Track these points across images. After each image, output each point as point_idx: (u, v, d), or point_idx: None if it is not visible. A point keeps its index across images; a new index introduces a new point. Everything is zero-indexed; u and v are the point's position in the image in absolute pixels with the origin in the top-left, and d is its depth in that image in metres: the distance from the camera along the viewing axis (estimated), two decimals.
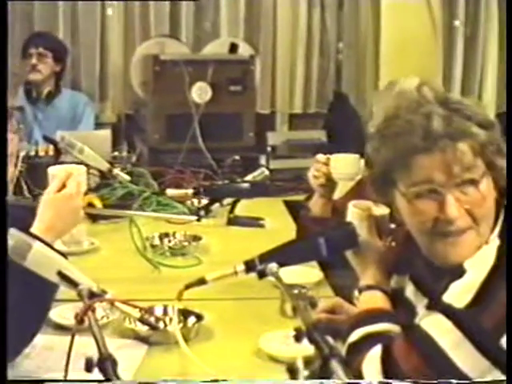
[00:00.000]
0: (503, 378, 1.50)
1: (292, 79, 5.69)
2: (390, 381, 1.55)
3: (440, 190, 1.61)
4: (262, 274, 1.72)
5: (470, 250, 1.63)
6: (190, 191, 3.49)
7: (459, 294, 1.58)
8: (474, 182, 1.61)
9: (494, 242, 1.64)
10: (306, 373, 1.27)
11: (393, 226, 1.89)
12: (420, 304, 1.75)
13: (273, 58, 5.64)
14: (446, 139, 1.59)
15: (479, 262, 1.61)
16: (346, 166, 2.64)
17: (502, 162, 1.65)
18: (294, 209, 3.34)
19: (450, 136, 1.59)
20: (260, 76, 5.26)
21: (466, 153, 1.59)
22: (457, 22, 5.97)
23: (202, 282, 1.82)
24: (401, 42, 5.45)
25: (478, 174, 1.62)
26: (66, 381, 1.55)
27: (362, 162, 2.70)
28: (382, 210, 1.87)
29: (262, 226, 3.32)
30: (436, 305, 1.62)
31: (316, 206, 2.67)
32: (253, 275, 1.77)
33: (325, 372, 1.25)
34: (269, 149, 4.61)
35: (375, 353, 1.62)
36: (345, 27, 5.82)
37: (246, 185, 3.54)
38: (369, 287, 1.83)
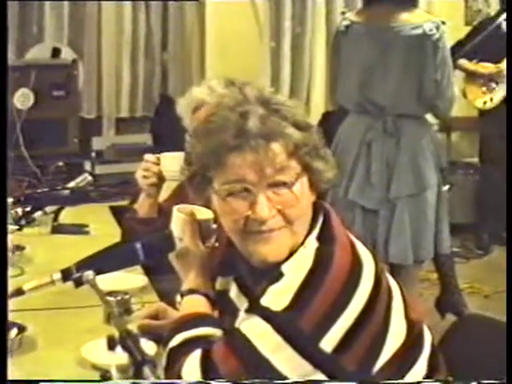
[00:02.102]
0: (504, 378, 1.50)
1: (118, 83, 5.66)
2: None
3: (252, 190, 1.59)
4: (78, 283, 1.68)
5: (281, 250, 1.62)
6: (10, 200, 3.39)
7: (277, 298, 1.56)
8: (286, 183, 1.60)
9: (312, 244, 1.63)
10: (120, 380, 1.25)
11: (214, 226, 1.90)
12: (242, 307, 1.73)
13: (98, 62, 5.59)
14: (259, 138, 1.57)
15: (297, 265, 1.59)
16: (176, 164, 2.63)
17: (319, 165, 1.64)
18: (120, 213, 3.31)
19: (263, 136, 1.57)
20: (85, 80, 5.20)
21: (279, 153, 1.58)
22: (286, 23, 6.11)
23: (19, 292, 1.76)
24: (226, 43, 5.53)
25: (291, 175, 1.60)
26: (65, 381, 1.53)
27: None
28: (205, 214, 1.87)
29: (86, 232, 3.27)
30: (255, 308, 1.60)
31: (143, 207, 2.65)
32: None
33: (138, 378, 1.24)
34: (94, 154, 4.55)
35: (194, 357, 1.59)
36: (170, 30, 5.84)
37: (68, 192, 3.48)
38: (190, 291, 1.81)
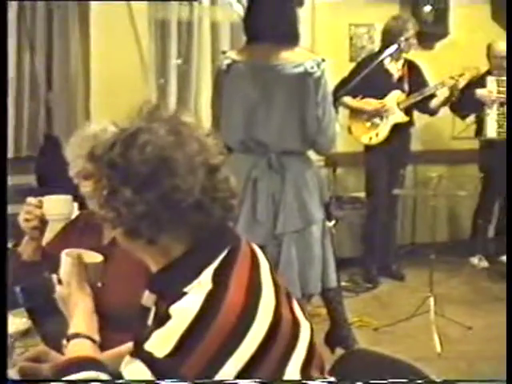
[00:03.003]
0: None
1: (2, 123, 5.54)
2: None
3: None
4: None
5: None
6: None
7: (161, 343, 1.52)
8: None
9: (205, 285, 1.57)
10: None
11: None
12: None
13: None
14: None
15: (185, 308, 1.54)
16: (59, 207, 2.60)
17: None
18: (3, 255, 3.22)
19: None
20: None
21: None
22: (172, 61, 6.17)
23: None
24: (111, 83, 5.51)
25: None
26: (65, 381, 1.49)
27: (75, 203, 2.70)
28: (93, 258, 1.87)
29: None
30: (138, 352, 1.55)
31: (26, 250, 2.59)
32: None
33: None
34: None
35: None
36: (55, 70, 5.78)
37: None
38: (76, 335, 1.79)
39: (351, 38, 6.96)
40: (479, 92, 6.34)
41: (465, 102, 6.22)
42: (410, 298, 5.60)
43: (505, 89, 6.36)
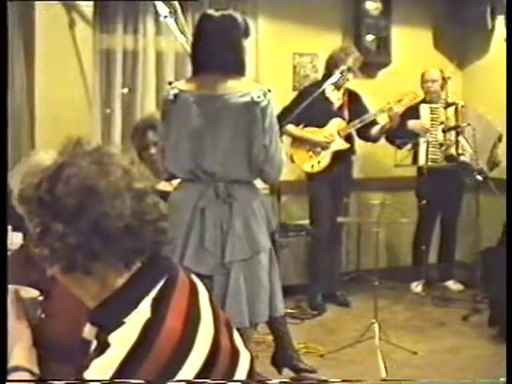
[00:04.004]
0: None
1: None
2: None
3: None
4: None
5: None
6: None
7: (100, 371, 1.52)
8: None
9: (144, 314, 1.58)
10: None
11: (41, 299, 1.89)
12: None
13: None
14: None
15: (124, 336, 1.55)
16: None
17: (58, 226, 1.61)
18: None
19: None
20: None
21: None
22: (116, 91, 6.19)
23: None
24: (56, 113, 5.49)
25: None
26: (65, 381, 1.49)
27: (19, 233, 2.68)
28: (31, 293, 1.88)
29: None
30: (78, 382, 1.55)
31: None
32: None
33: None
34: None
35: None
36: None
37: None
38: (15, 368, 1.79)
39: (295, 67, 7.04)
40: (411, 123, 6.46)
41: (399, 131, 6.33)
42: (355, 324, 5.66)
43: (438, 115, 6.51)
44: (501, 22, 6.84)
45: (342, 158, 6.31)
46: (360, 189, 6.89)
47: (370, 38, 7.15)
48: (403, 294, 6.62)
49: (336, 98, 6.31)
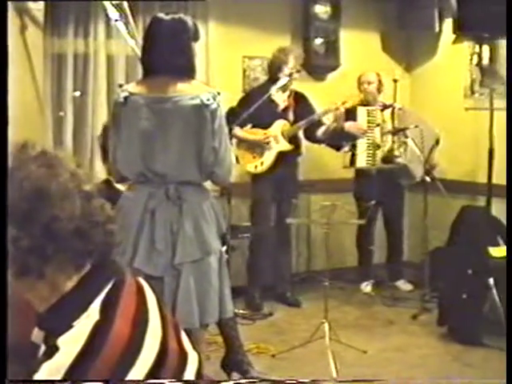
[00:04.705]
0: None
1: None
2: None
3: None
4: None
5: None
6: None
7: (49, 374, 1.51)
8: None
9: (93, 317, 1.59)
10: None
11: None
12: None
13: None
14: None
15: (73, 339, 1.55)
16: None
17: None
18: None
19: None
20: None
21: None
22: (68, 95, 6.16)
23: None
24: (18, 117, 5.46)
25: None
26: (65, 381, 1.45)
27: None
28: None
29: None
30: None
31: None
32: None
33: None
34: None
35: None
36: None
37: None
38: None
39: (244, 70, 7.07)
40: (347, 125, 6.49)
41: (336, 134, 6.40)
42: (305, 324, 5.71)
43: (375, 117, 6.58)
44: (448, 24, 6.92)
45: (286, 160, 6.35)
46: (308, 190, 6.94)
47: (318, 41, 7.22)
48: (353, 294, 6.70)
49: (281, 99, 6.36)
